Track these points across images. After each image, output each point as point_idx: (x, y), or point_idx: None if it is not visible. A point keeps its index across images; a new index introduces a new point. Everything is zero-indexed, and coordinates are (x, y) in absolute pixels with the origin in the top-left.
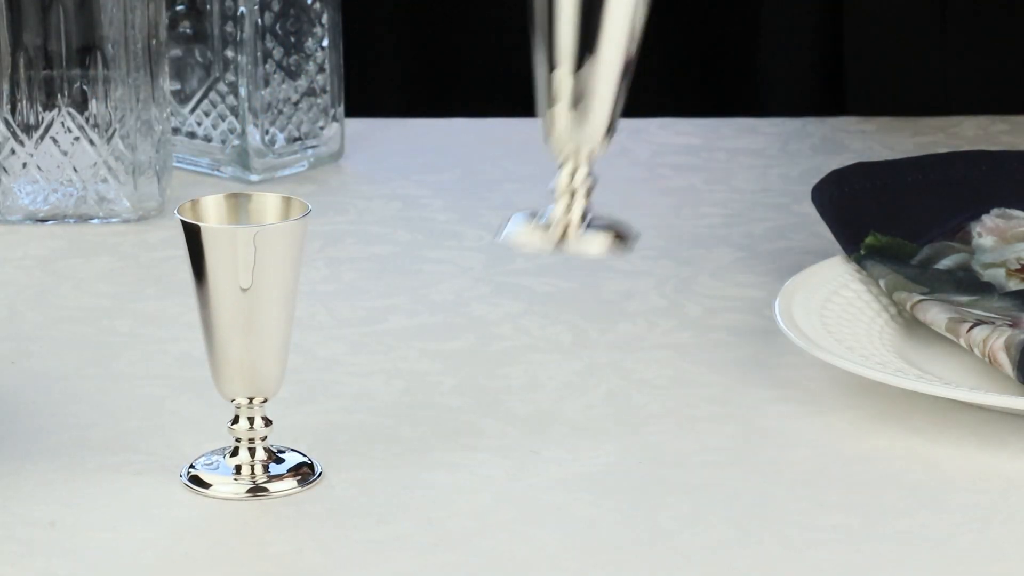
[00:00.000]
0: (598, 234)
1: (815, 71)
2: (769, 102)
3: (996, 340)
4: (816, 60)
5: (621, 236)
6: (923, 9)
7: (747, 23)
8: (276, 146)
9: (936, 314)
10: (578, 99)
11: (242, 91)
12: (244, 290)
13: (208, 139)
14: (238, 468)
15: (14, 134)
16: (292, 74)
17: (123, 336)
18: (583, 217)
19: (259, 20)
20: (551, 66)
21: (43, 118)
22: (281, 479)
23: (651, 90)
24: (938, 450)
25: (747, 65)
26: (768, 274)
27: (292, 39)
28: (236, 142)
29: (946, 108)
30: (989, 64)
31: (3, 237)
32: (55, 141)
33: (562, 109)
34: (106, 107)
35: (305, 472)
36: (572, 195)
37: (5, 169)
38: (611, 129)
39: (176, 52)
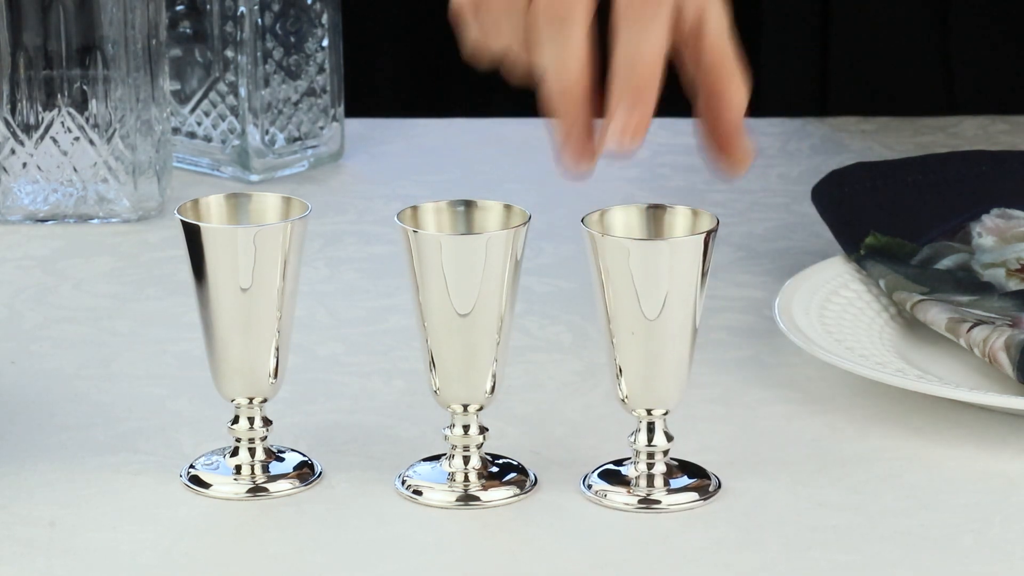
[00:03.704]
0: None
1: (816, 71)
2: (769, 102)
3: (996, 340)
4: (816, 60)
5: None
6: (924, 9)
7: (748, 23)
8: (276, 146)
9: (936, 314)
10: None
11: (242, 91)
12: (244, 290)
13: (208, 139)
14: (238, 468)
15: (14, 134)
16: (292, 74)
17: (123, 336)
18: None
19: (259, 20)
20: None
21: (43, 118)
22: (281, 479)
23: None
24: (938, 450)
25: (748, 65)
26: (768, 274)
27: (292, 39)
28: (236, 142)
29: (945, 108)
30: (989, 64)
31: (3, 237)
32: (55, 141)
33: None
34: (106, 107)
35: (305, 472)
36: None
37: (5, 169)
38: None
39: (176, 52)
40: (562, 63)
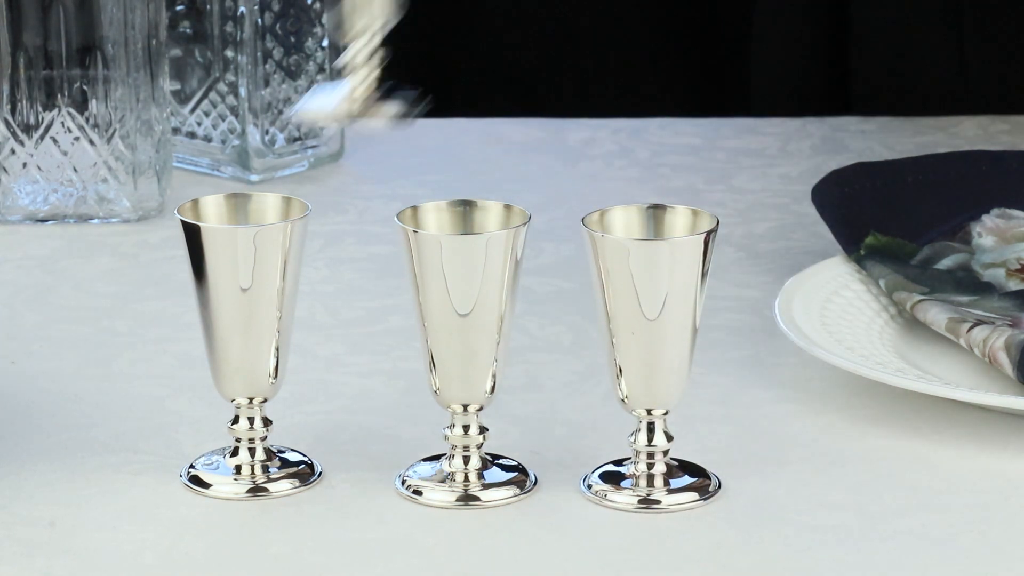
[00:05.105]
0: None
1: (815, 71)
2: (768, 102)
3: (996, 340)
4: (817, 59)
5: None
6: (926, 9)
7: (747, 23)
8: (276, 146)
9: (936, 314)
10: None
11: (242, 91)
12: (244, 290)
13: (208, 139)
14: (238, 468)
15: (14, 134)
16: (292, 74)
17: (123, 336)
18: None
19: (259, 20)
20: None
21: (43, 118)
22: (281, 479)
23: (651, 90)
24: (938, 450)
25: (747, 65)
26: (768, 274)
27: (292, 39)
28: (236, 142)
29: (948, 108)
30: (988, 64)
31: (3, 237)
32: (55, 141)
33: None
34: (106, 107)
35: (305, 472)
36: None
37: (5, 169)
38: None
39: (176, 52)
40: None
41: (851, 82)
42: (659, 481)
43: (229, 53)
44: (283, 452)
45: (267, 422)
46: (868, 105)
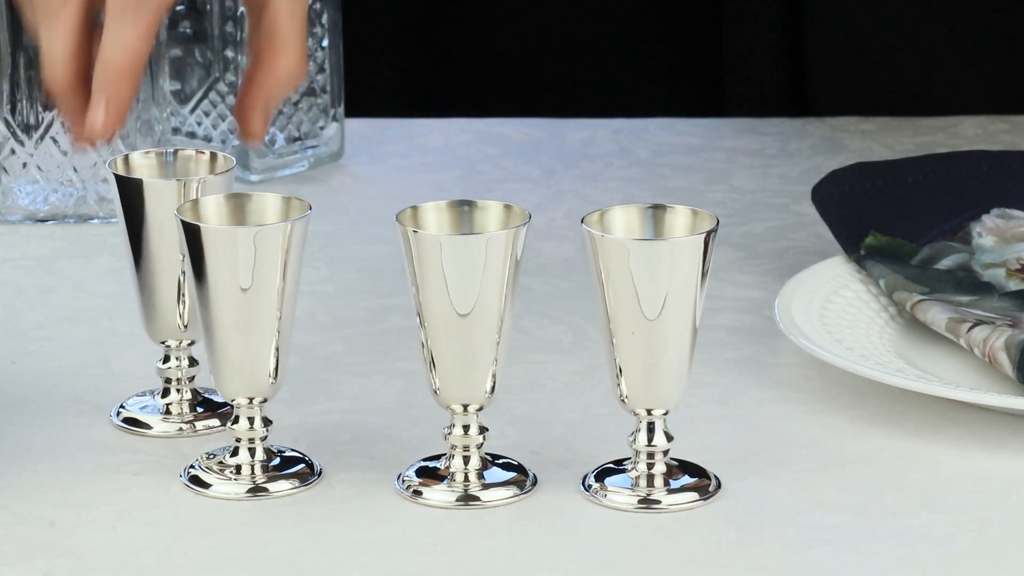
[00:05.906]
0: None
1: (810, 70)
2: (767, 102)
3: (996, 340)
4: (811, 58)
5: None
6: (921, 8)
7: (746, 22)
8: (276, 146)
9: (936, 314)
10: None
11: None
12: (244, 290)
13: (208, 139)
14: (238, 468)
15: (14, 134)
16: None
17: (123, 336)
18: None
19: None
20: None
21: (43, 118)
22: (281, 479)
23: (651, 90)
24: (938, 450)
25: (746, 64)
26: (768, 274)
27: None
28: (236, 142)
29: (943, 108)
30: (988, 64)
31: (3, 237)
32: (55, 141)
33: None
34: None
35: (305, 472)
36: None
37: (5, 169)
38: None
39: (176, 52)
40: (50, 52)
41: (849, 81)
42: (659, 481)
43: (229, 53)
44: (283, 452)
45: (267, 422)
46: (861, 105)
